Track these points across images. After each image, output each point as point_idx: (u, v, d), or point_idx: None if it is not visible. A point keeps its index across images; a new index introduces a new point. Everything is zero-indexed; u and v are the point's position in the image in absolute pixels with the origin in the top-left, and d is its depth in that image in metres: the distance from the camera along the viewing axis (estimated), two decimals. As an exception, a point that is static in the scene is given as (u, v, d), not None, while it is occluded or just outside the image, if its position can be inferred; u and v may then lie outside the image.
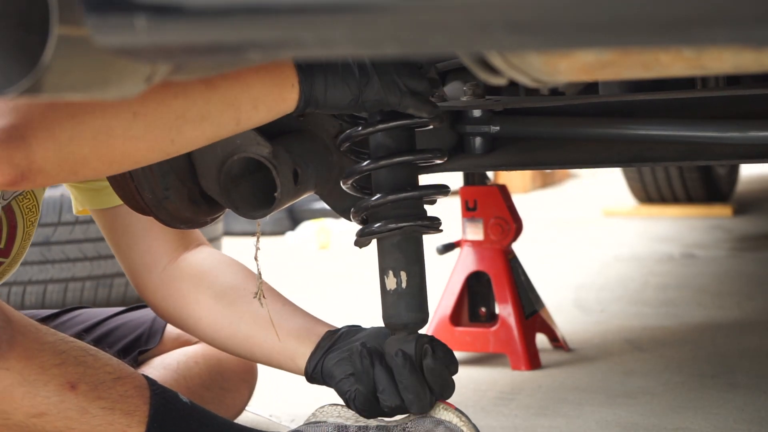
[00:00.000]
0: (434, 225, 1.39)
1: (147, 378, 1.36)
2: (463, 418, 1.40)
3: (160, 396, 1.34)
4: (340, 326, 1.49)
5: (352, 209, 1.38)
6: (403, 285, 1.34)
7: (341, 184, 1.41)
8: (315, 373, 1.44)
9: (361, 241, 1.38)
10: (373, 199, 1.35)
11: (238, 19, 0.72)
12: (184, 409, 1.37)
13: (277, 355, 1.49)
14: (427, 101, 1.31)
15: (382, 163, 1.35)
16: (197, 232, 1.63)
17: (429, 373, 1.34)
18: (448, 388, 1.38)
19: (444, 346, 1.38)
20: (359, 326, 1.48)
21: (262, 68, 1.19)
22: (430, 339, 1.38)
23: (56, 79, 0.80)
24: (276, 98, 1.20)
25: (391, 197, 1.34)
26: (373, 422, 1.42)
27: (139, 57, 0.81)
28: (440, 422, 1.39)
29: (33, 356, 1.24)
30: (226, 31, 0.75)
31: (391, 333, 1.37)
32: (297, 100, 1.22)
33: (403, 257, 1.35)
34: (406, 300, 1.34)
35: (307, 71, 1.21)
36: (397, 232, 1.35)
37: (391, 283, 1.34)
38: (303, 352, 1.45)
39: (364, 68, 1.24)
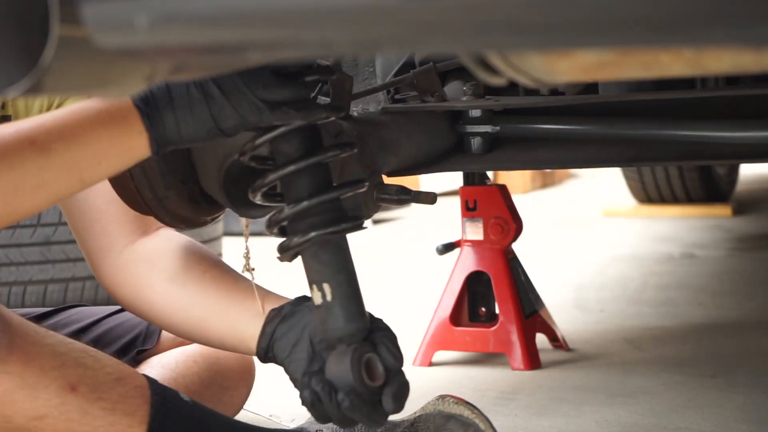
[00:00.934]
0: (353, 225, 1.27)
1: (147, 378, 1.36)
2: (475, 411, 1.38)
3: (160, 395, 1.34)
4: (282, 300, 1.42)
5: (266, 224, 1.30)
6: (328, 298, 1.26)
7: (250, 197, 1.32)
8: (268, 358, 1.40)
9: (283, 257, 1.29)
10: (284, 212, 1.26)
11: (238, 19, 0.73)
12: (185, 407, 1.37)
13: (230, 338, 1.44)
14: (300, 107, 1.20)
15: (282, 172, 1.24)
16: None
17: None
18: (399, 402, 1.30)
19: (388, 350, 1.30)
20: (303, 299, 1.40)
21: (103, 120, 1.15)
22: (371, 347, 1.30)
23: (56, 79, 0.80)
24: (122, 149, 1.16)
25: (295, 209, 1.25)
26: None
27: (139, 57, 0.81)
28: (451, 416, 1.38)
29: (32, 359, 1.24)
30: (226, 31, 0.75)
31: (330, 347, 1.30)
32: (148, 145, 1.17)
33: (322, 268, 1.26)
34: (335, 313, 1.26)
35: (153, 114, 1.16)
36: (311, 242, 1.25)
37: (317, 297, 1.26)
38: (252, 335, 1.40)
39: (212, 95, 1.16)
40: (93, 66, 0.82)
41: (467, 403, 1.39)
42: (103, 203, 1.48)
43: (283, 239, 1.28)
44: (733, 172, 4.90)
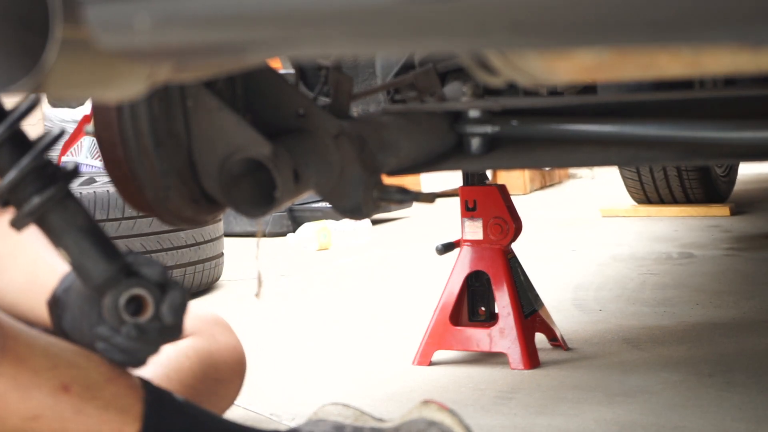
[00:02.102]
0: (64, 183, 1.26)
1: (140, 377, 1.37)
2: (456, 419, 1.40)
3: (153, 394, 1.35)
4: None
5: None
6: (69, 260, 1.28)
7: None
8: (75, 341, 1.39)
9: (16, 229, 1.28)
10: None
11: (238, 19, 0.73)
12: (178, 406, 1.38)
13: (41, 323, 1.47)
14: None
15: None
16: None
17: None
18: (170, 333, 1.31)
19: (147, 267, 1.31)
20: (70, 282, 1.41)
21: None
22: (135, 278, 1.30)
23: (58, 79, 0.80)
24: None
25: (2, 185, 1.23)
26: (369, 422, 1.43)
27: (141, 57, 0.81)
28: (433, 423, 1.40)
29: (25, 360, 1.25)
30: (228, 31, 0.75)
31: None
32: None
33: (51, 235, 1.27)
34: (80, 272, 1.29)
35: None
36: (31, 213, 1.24)
37: (64, 260, 1.29)
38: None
39: None
40: (94, 66, 0.82)
41: (450, 411, 1.41)
42: None
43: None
44: (732, 172, 4.90)
